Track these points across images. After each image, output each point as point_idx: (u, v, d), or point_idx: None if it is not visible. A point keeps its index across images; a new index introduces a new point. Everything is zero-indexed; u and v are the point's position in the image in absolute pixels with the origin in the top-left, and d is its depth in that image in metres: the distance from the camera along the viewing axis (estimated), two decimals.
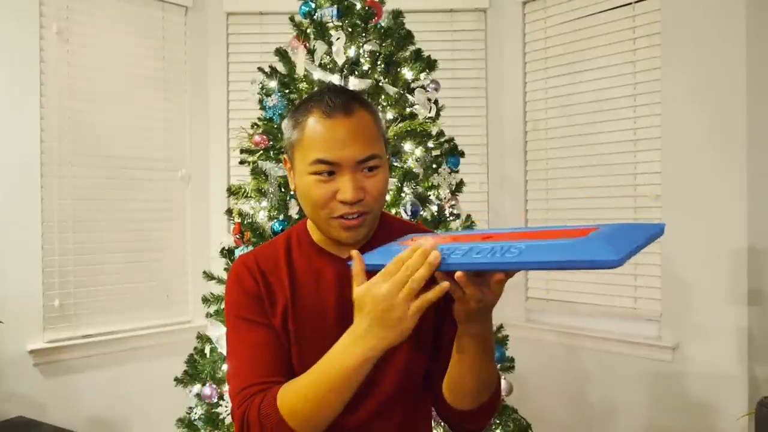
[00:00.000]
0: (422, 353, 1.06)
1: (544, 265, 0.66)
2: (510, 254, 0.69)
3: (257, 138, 2.04)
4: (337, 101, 0.96)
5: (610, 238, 0.67)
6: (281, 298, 1.03)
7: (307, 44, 2.06)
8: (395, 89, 2.03)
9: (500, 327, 2.17)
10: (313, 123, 0.96)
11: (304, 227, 1.09)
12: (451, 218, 2.12)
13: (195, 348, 2.10)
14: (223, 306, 1.96)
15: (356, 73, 2.02)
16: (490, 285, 0.79)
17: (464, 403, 0.98)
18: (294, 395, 0.89)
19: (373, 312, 0.81)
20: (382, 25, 2.11)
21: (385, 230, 1.08)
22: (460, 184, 2.18)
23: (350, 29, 2.05)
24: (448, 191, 2.13)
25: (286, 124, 1.02)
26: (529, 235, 0.76)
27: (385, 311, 0.80)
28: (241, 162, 2.13)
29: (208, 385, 1.98)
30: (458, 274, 0.77)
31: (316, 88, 2.01)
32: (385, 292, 0.80)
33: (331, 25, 2.04)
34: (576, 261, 0.64)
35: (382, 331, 0.81)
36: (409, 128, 2.01)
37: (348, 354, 0.84)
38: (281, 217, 1.96)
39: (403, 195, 1.95)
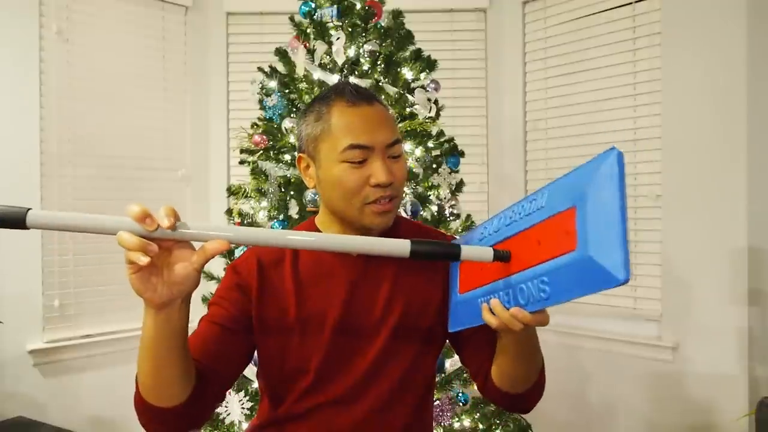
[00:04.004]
0: (430, 355, 1.08)
1: (571, 299, 0.77)
2: (542, 296, 0.79)
3: (257, 138, 2.04)
4: (359, 91, 1.01)
5: (603, 249, 0.71)
6: (281, 292, 1.03)
7: (307, 44, 2.06)
8: (395, 89, 2.03)
9: None
10: (339, 112, 0.99)
11: (312, 226, 1.10)
12: (451, 218, 2.12)
13: None
14: None
15: (356, 73, 2.02)
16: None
17: (517, 388, 1.02)
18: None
19: None
20: (382, 25, 2.11)
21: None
22: (460, 184, 2.18)
23: (350, 29, 2.05)
24: (448, 191, 2.13)
25: (305, 120, 1.04)
26: (528, 253, 0.83)
27: None
28: (241, 162, 2.14)
29: None
30: (524, 316, 0.82)
31: (315, 88, 2.01)
32: None
33: (331, 25, 2.04)
34: (595, 291, 0.73)
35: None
36: (409, 128, 2.01)
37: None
38: (281, 217, 1.96)
39: (403, 195, 1.95)
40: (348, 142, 0.96)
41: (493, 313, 0.85)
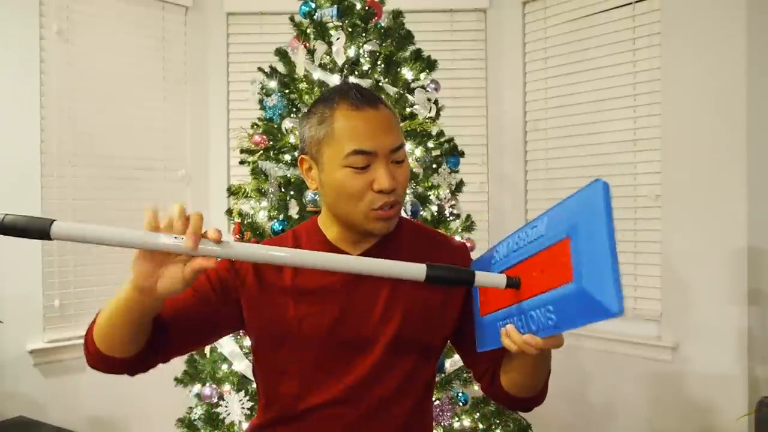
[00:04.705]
0: (430, 359, 1.09)
1: (576, 327, 0.79)
2: (550, 323, 0.82)
3: (257, 138, 2.04)
4: (363, 94, 0.99)
5: (596, 282, 0.74)
6: (278, 289, 1.03)
7: (307, 44, 2.06)
8: (395, 89, 2.03)
9: None
10: (343, 116, 0.97)
11: (315, 225, 1.09)
12: (451, 218, 2.12)
13: None
14: None
15: (356, 73, 2.02)
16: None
17: (524, 393, 1.06)
18: (101, 312, 0.93)
19: None
20: (382, 25, 2.11)
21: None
22: (460, 184, 2.18)
23: (350, 29, 2.05)
24: (448, 191, 2.13)
25: (308, 122, 1.02)
26: (534, 281, 0.85)
27: None
28: (241, 162, 2.14)
29: (208, 385, 1.99)
30: (537, 342, 0.84)
31: (315, 88, 2.01)
32: None
33: (331, 25, 2.04)
34: (594, 321, 0.75)
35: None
36: (409, 128, 2.01)
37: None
38: (281, 217, 1.96)
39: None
40: (351, 147, 0.95)
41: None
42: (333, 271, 1.02)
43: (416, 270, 0.83)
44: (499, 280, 0.87)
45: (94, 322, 0.94)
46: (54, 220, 0.74)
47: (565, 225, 0.82)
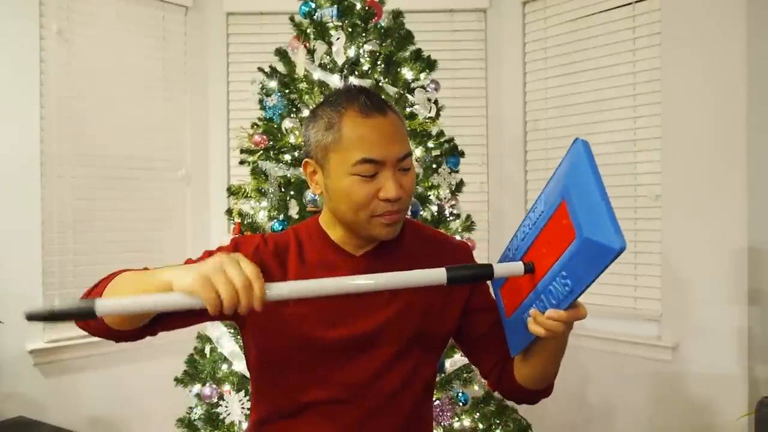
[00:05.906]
0: (431, 357, 1.09)
1: (590, 282, 0.79)
2: (567, 290, 0.83)
3: (257, 138, 2.04)
4: (372, 100, 0.98)
5: (595, 226, 0.77)
6: (281, 282, 1.02)
7: (307, 44, 2.06)
8: (395, 89, 2.03)
9: None
10: (352, 123, 0.96)
11: (316, 224, 1.09)
12: (451, 218, 2.12)
13: (195, 348, 2.10)
14: None
15: (356, 73, 2.02)
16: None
17: (539, 385, 1.07)
18: (119, 281, 0.92)
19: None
20: (382, 25, 2.12)
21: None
22: (460, 184, 2.18)
23: (350, 29, 2.05)
24: (448, 191, 2.13)
25: (314, 126, 1.01)
26: (544, 257, 0.87)
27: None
28: (241, 162, 2.14)
29: (208, 385, 1.99)
30: (560, 315, 0.85)
31: (315, 88, 2.01)
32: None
33: (331, 25, 2.04)
34: (604, 267, 0.76)
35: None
36: (409, 128, 2.01)
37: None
38: (281, 217, 1.96)
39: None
40: (360, 156, 0.95)
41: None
42: (335, 269, 1.03)
43: (437, 275, 0.85)
44: (516, 268, 0.90)
45: (100, 287, 0.93)
46: (95, 300, 0.77)
47: (558, 191, 0.85)
